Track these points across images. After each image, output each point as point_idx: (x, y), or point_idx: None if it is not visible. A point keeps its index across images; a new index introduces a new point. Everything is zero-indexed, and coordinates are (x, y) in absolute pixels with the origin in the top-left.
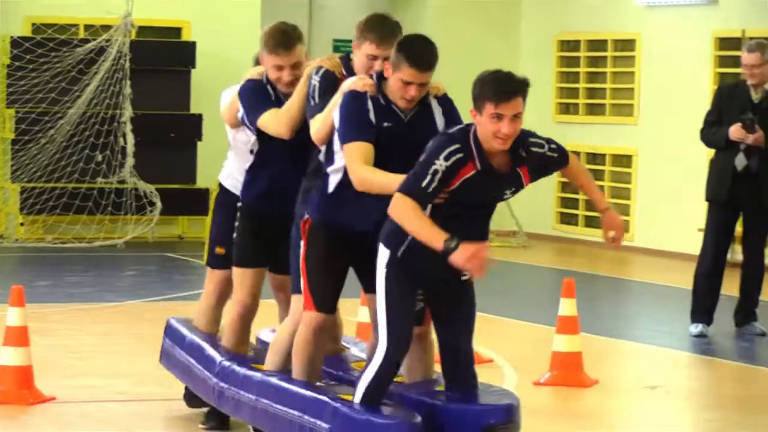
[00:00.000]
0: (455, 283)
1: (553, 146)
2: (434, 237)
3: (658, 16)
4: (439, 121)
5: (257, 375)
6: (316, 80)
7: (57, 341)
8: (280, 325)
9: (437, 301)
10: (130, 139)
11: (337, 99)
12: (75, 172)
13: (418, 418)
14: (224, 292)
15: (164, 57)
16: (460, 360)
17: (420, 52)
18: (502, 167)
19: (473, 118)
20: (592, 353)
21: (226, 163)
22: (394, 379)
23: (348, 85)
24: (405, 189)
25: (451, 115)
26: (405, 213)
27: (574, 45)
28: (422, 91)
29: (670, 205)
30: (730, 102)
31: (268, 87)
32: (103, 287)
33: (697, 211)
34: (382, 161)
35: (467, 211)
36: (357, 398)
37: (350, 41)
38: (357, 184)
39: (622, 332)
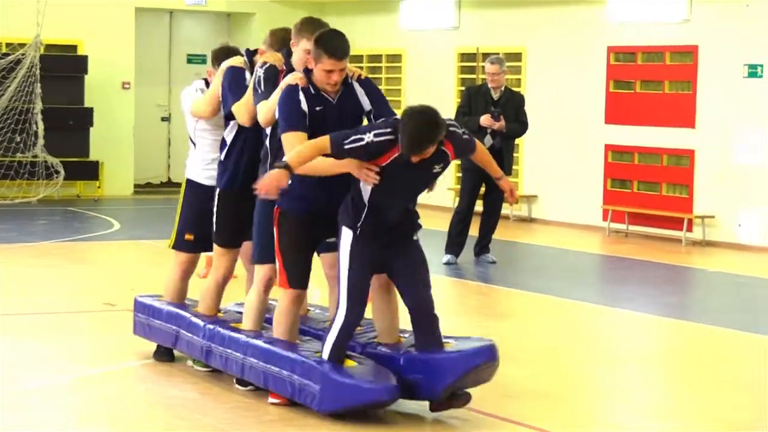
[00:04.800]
0: (404, 242)
1: (466, 135)
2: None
3: (418, 37)
4: (363, 99)
5: (242, 336)
6: (260, 72)
7: None
8: (248, 292)
9: (393, 260)
10: (41, 125)
11: (280, 89)
12: (1, 149)
13: (394, 380)
14: (188, 271)
15: (65, 66)
16: (422, 315)
17: (335, 45)
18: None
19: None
20: None
21: (189, 160)
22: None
23: (285, 81)
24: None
25: (374, 94)
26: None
27: (358, 58)
28: (342, 74)
29: None
30: (476, 99)
31: (246, 72)
32: (22, 232)
33: (446, 176)
34: (319, 135)
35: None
36: (325, 354)
37: (200, 55)
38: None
39: None
